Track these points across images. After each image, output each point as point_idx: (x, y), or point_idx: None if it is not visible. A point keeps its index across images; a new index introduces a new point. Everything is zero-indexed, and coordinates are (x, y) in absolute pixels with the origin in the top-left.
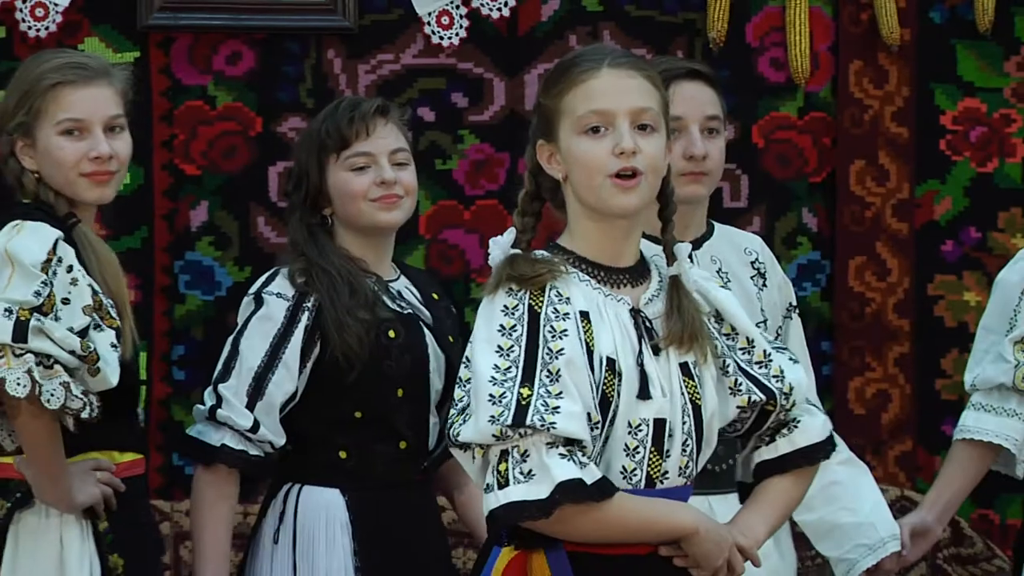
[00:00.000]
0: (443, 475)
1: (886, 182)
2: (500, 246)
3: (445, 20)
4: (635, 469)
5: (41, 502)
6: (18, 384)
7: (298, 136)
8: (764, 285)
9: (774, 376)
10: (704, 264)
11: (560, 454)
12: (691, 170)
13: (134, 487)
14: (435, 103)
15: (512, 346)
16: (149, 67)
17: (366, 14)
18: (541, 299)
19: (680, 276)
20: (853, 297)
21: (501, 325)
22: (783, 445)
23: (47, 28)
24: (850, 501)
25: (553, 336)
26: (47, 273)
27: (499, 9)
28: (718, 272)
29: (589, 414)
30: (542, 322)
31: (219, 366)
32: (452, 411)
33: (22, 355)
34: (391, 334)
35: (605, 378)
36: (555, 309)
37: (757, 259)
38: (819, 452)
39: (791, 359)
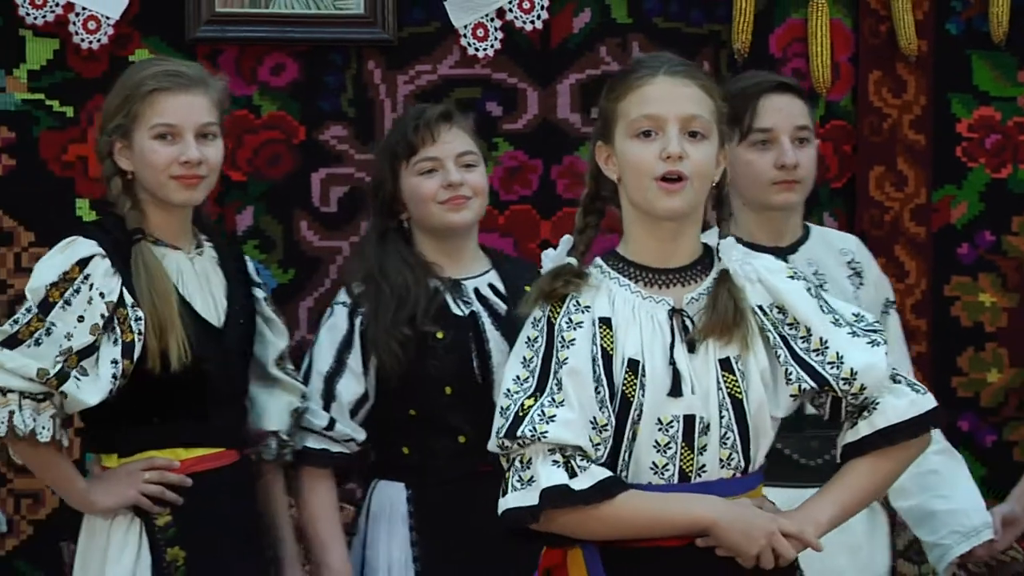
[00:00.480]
0: None
1: (904, 187)
2: (551, 258)
3: (480, 32)
4: (667, 464)
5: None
6: None
7: (375, 146)
8: (861, 283)
9: (829, 363)
10: (801, 268)
11: (554, 461)
12: (783, 179)
13: (207, 481)
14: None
15: (532, 357)
16: None
17: (405, 27)
18: (559, 310)
19: (728, 270)
20: None
21: (528, 337)
22: (863, 427)
23: (99, 40)
24: (945, 489)
25: (563, 346)
26: (49, 294)
27: (532, 22)
28: (815, 274)
29: (594, 419)
30: (556, 333)
31: (301, 373)
32: None
33: None
34: (439, 335)
35: (626, 379)
36: (569, 319)
37: (853, 259)
38: (900, 432)
39: (870, 343)
